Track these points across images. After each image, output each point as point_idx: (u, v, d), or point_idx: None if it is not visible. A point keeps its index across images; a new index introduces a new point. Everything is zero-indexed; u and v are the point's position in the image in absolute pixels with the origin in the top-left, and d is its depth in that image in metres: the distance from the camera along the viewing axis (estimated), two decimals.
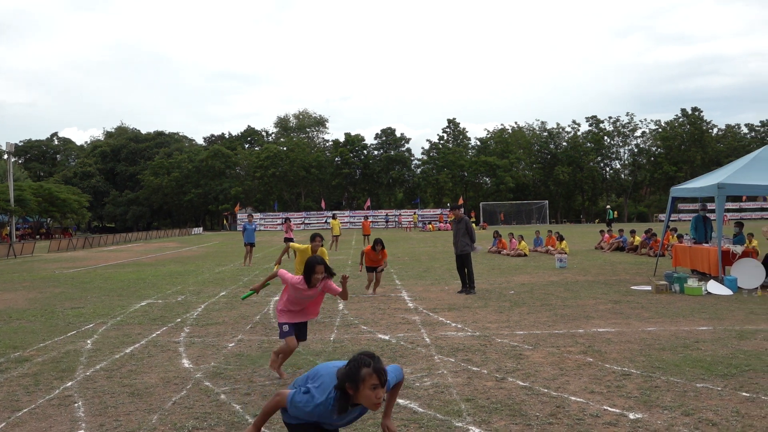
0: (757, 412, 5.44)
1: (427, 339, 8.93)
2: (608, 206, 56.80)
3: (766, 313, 10.52)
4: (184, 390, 6.58)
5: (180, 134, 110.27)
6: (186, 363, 7.80)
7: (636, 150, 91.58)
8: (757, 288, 13.24)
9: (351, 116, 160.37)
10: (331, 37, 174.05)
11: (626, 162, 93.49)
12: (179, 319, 11.09)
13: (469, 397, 6.11)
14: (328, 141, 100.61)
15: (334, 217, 34.37)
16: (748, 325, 9.40)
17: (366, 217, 44.21)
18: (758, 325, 9.45)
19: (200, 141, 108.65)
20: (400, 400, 6.04)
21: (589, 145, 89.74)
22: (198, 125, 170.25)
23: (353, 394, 3.44)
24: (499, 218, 74.12)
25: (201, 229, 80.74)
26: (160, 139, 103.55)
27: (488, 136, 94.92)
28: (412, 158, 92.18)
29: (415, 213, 73.81)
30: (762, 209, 70.40)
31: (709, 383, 6.35)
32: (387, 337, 9.12)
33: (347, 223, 72.36)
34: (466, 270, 14.04)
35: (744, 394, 5.97)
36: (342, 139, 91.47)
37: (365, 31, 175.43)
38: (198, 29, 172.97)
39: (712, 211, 15.77)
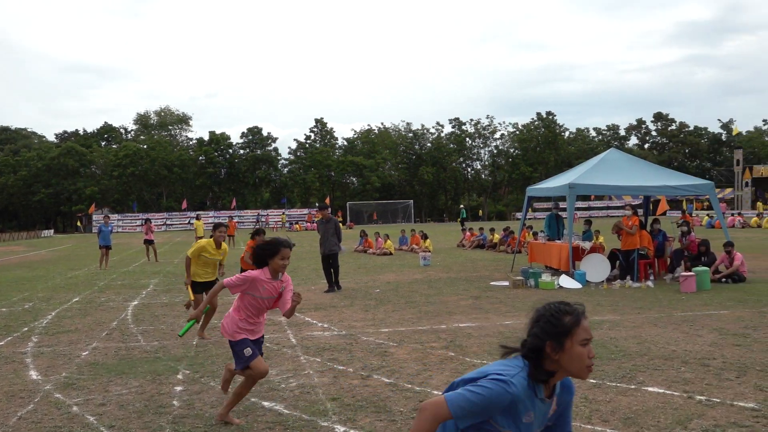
0: (602, 397, 5.83)
1: (293, 339, 8.87)
2: (462, 206, 59.21)
3: (611, 304, 11.30)
4: (32, 404, 6.15)
5: (28, 130, 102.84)
6: (34, 374, 7.29)
7: (495, 151, 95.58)
8: (603, 281, 14.18)
9: (216, 114, 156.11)
10: (196, 32, 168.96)
11: (486, 163, 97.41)
12: (26, 328, 10.35)
13: (335, 396, 6.12)
14: (191, 139, 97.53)
15: (197, 217, 33.31)
16: (594, 316, 10.04)
17: (231, 218, 43.26)
18: (604, 315, 10.13)
19: (51, 138, 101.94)
20: (264, 403, 5.96)
21: (452, 146, 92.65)
22: (49, 121, 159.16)
23: (556, 358, 2.50)
24: (370, 217, 74.98)
25: (52, 231, 75.78)
26: (4, 135, 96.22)
27: (355, 136, 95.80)
28: (279, 158, 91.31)
29: (283, 213, 73.20)
30: (608, 207, 75.58)
31: None
32: None
33: (212, 224, 70.52)
34: (332, 270, 14.11)
35: (591, 380, 6.37)
36: (206, 137, 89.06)
37: (232, 26, 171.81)
38: (48, 17, 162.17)
39: (564, 209, 16.72)
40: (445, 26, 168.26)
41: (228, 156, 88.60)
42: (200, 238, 30.51)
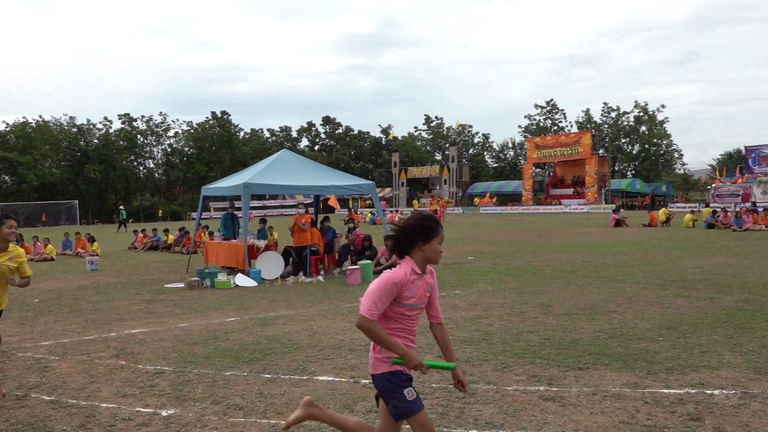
0: (277, 391, 6.00)
1: None
2: (121, 206, 56.99)
3: (285, 300, 11.71)
4: None
5: None
6: None
7: (169, 150, 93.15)
8: (277, 278, 14.64)
9: None
10: None
11: (160, 161, 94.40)
12: None
13: None
14: None
15: None
16: (270, 312, 10.32)
17: None
18: (278, 311, 10.46)
19: None
20: None
21: (122, 143, 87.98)
22: None
23: None
24: (27, 220, 67.31)
25: None
26: None
27: (8, 129, 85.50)
28: None
29: None
30: (282, 206, 78.25)
31: (236, 370, 6.77)
32: None
33: None
34: None
35: (266, 375, 6.53)
36: None
37: None
38: None
39: (240, 208, 16.86)
40: (112, 13, 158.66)
41: None
42: None
